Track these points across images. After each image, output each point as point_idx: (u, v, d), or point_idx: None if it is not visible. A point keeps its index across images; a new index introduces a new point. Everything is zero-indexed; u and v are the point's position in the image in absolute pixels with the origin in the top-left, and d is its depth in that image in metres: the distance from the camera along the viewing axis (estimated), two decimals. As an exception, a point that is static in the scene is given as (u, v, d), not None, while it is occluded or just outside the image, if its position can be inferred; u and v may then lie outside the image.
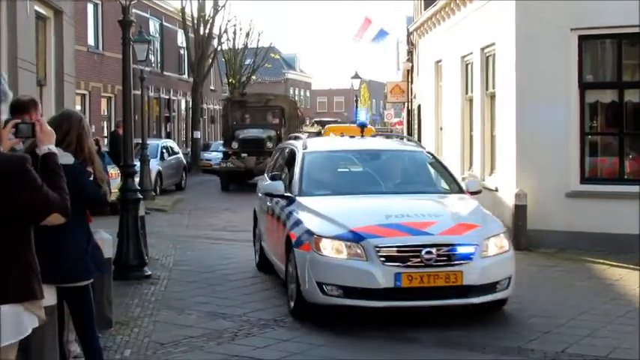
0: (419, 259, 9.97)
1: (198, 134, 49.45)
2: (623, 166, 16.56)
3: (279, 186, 12.26)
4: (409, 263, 9.97)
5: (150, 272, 14.00)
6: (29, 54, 13.28)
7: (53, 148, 5.18)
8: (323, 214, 10.97)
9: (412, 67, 40.07)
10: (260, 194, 14.37)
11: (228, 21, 53.71)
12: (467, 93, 21.79)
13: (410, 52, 41.28)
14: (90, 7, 38.49)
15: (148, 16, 47.57)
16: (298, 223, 11.07)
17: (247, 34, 56.62)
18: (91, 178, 6.91)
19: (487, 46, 19.39)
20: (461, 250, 10.22)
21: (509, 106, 17.20)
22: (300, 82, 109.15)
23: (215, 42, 51.89)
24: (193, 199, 30.72)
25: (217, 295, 12.53)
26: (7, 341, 4.80)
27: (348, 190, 12.18)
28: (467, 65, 21.72)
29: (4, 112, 5.01)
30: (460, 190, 12.52)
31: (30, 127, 5.22)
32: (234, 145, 34.75)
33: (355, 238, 10.24)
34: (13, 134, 5.20)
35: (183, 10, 49.00)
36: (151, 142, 32.21)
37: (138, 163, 27.47)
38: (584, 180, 16.45)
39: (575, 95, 16.37)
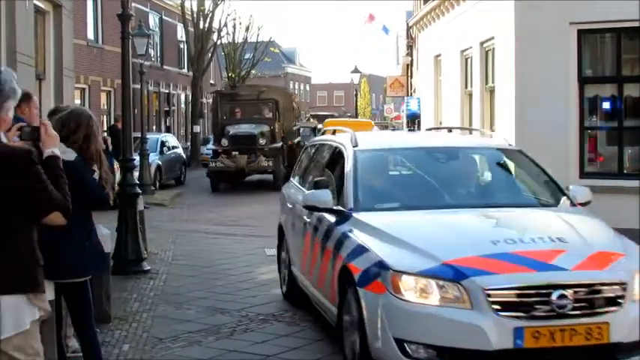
0: (548, 307, 6.92)
1: (197, 128, 49.42)
2: (622, 161, 16.53)
3: (325, 196, 8.94)
4: (535, 313, 6.93)
5: (149, 267, 14.02)
6: (28, 48, 13.26)
7: (57, 151, 5.23)
8: (398, 238, 7.80)
9: (412, 61, 40.05)
10: (288, 205, 11.54)
11: (228, 15, 53.48)
12: (466, 87, 21.77)
13: (409, 47, 41.28)
14: (89, 0, 38.46)
15: (147, 10, 47.56)
16: (361, 250, 7.85)
17: (247, 29, 56.60)
18: (96, 177, 6.91)
19: (486, 41, 19.36)
20: (606, 291, 7.16)
21: (509, 101, 17.18)
22: (299, 77, 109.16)
23: (215, 36, 51.86)
24: (193, 193, 30.73)
25: (216, 290, 12.55)
26: (7, 333, 4.81)
27: (423, 202, 8.97)
28: (466, 59, 21.69)
29: (12, 109, 5.05)
30: (564, 201, 9.57)
31: (35, 131, 5.26)
32: (224, 142, 31.84)
33: (453, 275, 7.12)
34: (17, 137, 5.24)
35: (182, 4, 48.98)
36: (151, 137, 32.23)
37: (137, 158, 27.52)
38: (583, 174, 16.41)
39: (574, 89, 16.33)
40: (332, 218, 8.97)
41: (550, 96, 16.34)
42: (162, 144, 33.11)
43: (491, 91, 19.22)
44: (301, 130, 40.94)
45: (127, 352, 9.10)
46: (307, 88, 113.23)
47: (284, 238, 11.90)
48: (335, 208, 8.93)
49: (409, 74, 43.03)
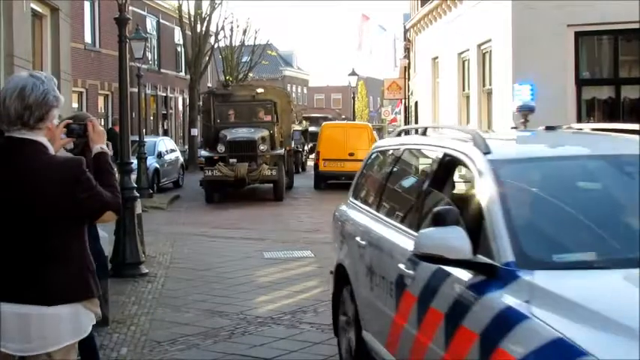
0: None
1: (195, 132, 49.37)
2: (620, 163, 16.51)
3: (457, 240, 5.22)
4: None
5: (147, 270, 14.00)
6: (25, 51, 13.25)
7: (105, 147, 5.23)
8: None
9: (409, 63, 40.10)
10: (359, 240, 7.76)
11: (225, 18, 53.44)
12: (464, 90, 21.80)
13: (407, 49, 41.33)
14: (87, 4, 38.47)
15: (145, 13, 47.56)
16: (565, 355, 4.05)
17: (244, 32, 56.55)
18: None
19: (483, 43, 19.39)
20: None
21: (506, 103, 17.18)
22: (297, 79, 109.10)
23: (212, 39, 51.83)
24: (191, 196, 30.65)
25: (214, 293, 12.53)
26: (66, 342, 4.88)
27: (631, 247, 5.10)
28: (463, 62, 21.72)
29: (57, 117, 5.05)
30: None
31: (82, 127, 5.26)
32: (220, 148, 28.60)
33: None
34: (65, 134, 5.24)
35: (180, 7, 48.93)
36: (148, 140, 32.12)
37: (135, 161, 27.50)
38: (581, 177, 16.41)
39: (571, 92, 16.36)
40: (466, 276, 5.29)
41: (547, 99, 16.34)
42: (160, 147, 33.04)
43: (489, 94, 19.24)
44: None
45: (125, 355, 9.09)
46: (305, 90, 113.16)
47: (347, 286, 8.28)
48: (477, 260, 5.19)
49: (407, 77, 43.05)
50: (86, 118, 7.07)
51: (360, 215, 8.30)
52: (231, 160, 28.09)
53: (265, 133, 29.24)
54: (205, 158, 30.06)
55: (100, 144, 5.24)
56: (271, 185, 29.65)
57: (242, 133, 28.99)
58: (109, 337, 9.73)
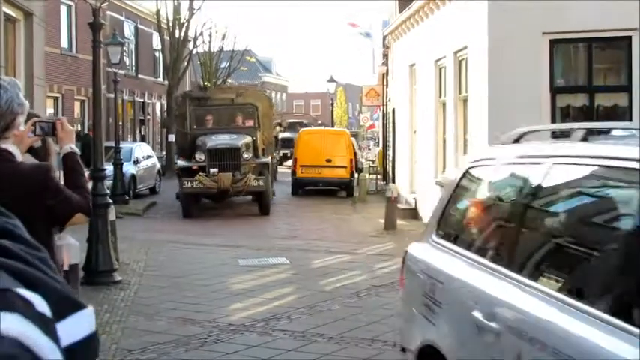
0: None
1: (172, 137, 49.27)
2: (594, 170, 16.56)
3: None
4: None
5: (120, 277, 13.94)
6: (-2, 57, 13.19)
7: (74, 147, 5.17)
8: None
9: (387, 70, 40.10)
10: (478, 317, 4.95)
11: (204, 24, 53.33)
12: (440, 97, 21.81)
13: (385, 56, 41.31)
14: (63, 8, 38.28)
15: (122, 18, 47.37)
16: None
17: (223, 37, 56.47)
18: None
19: (460, 50, 19.41)
20: None
21: (482, 110, 17.22)
22: (276, 85, 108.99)
23: (190, 45, 51.72)
24: (167, 203, 30.48)
25: (188, 301, 12.47)
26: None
27: None
28: (440, 69, 21.74)
29: (22, 124, 4.96)
30: None
31: (50, 126, 5.18)
32: (199, 157, 25.82)
33: None
34: (32, 132, 5.16)
35: (158, 12, 48.77)
36: (125, 146, 32.02)
37: (110, 167, 27.38)
38: (555, 183, 16.44)
39: (546, 99, 16.40)
40: None
41: (522, 105, 16.38)
42: (137, 153, 32.90)
43: (465, 101, 19.26)
44: None
45: (96, 363, 9.01)
46: (284, 97, 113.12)
47: None
48: None
49: (385, 83, 43.07)
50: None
51: (469, 270, 5.39)
52: (211, 170, 25.30)
53: (248, 139, 26.49)
54: (182, 169, 26.67)
55: (70, 143, 5.17)
56: (250, 198, 27.86)
57: (223, 140, 26.22)
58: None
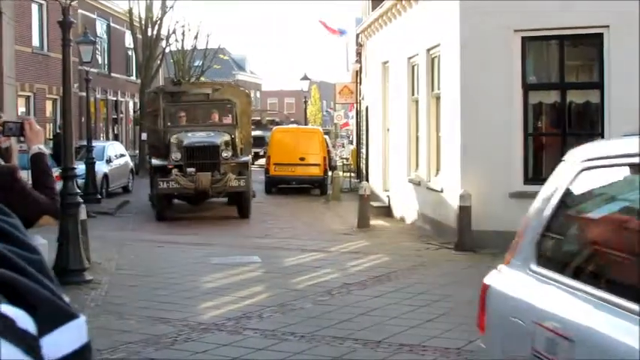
0: None
1: (145, 136, 49.11)
2: (566, 167, 16.61)
3: None
4: None
5: (91, 277, 13.82)
6: (-34, 55, 13.05)
7: (43, 147, 5.10)
8: None
9: (361, 68, 40.09)
10: None
11: (177, 22, 53.14)
12: (413, 94, 21.81)
13: (359, 53, 41.30)
14: (34, 7, 38.01)
15: (94, 17, 47.12)
16: None
17: (196, 36, 56.28)
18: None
19: (432, 48, 19.42)
20: None
21: (454, 108, 17.23)
22: (250, 84, 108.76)
23: (163, 43, 51.55)
24: (140, 201, 30.31)
25: (159, 300, 12.39)
26: None
27: None
28: (413, 66, 21.74)
29: None
30: None
31: (18, 126, 5.11)
32: (176, 155, 24.24)
33: None
34: (0, 133, 5.09)
35: (130, 11, 48.57)
36: (97, 145, 31.86)
37: (83, 166, 27.22)
38: (527, 180, 16.51)
39: (518, 96, 16.43)
40: None
41: (494, 103, 16.44)
42: (109, 152, 32.71)
43: (437, 98, 19.27)
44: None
45: (64, 364, 8.93)
46: (258, 95, 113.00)
47: None
48: None
49: (358, 81, 43.06)
50: None
51: (620, 324, 3.56)
52: (188, 170, 23.78)
53: (227, 137, 24.95)
54: (155, 168, 25.09)
55: (38, 144, 5.11)
56: (226, 199, 26.40)
57: (200, 137, 24.76)
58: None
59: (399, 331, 10.20)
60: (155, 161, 25.45)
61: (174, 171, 23.92)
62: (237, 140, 25.69)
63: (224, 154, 24.24)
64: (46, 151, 5.12)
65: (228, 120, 26.58)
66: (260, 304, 11.87)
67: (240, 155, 25.83)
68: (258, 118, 53.72)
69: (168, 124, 26.05)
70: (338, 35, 58.56)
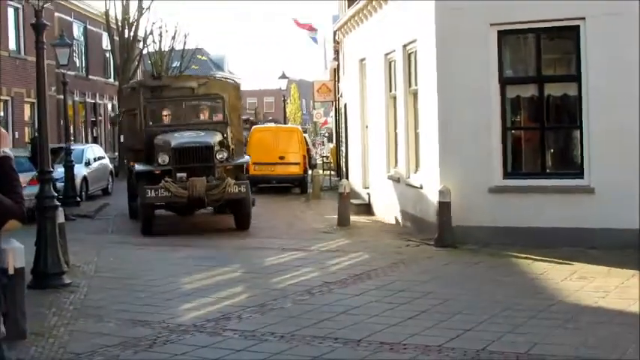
0: None
1: (123, 138, 48.94)
2: (544, 160, 16.67)
3: None
4: None
5: (69, 280, 13.71)
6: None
7: (8, 151, 5.02)
8: None
9: (338, 65, 40.05)
10: None
11: (154, 23, 52.98)
12: (390, 91, 21.77)
13: (336, 51, 41.26)
14: (10, 10, 37.80)
15: (71, 19, 46.93)
16: None
17: (173, 37, 56.12)
18: None
19: (409, 43, 19.39)
20: None
21: (432, 103, 17.21)
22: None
23: (140, 44, 51.43)
24: (119, 204, 30.06)
25: (138, 302, 12.30)
26: None
27: None
28: (390, 63, 21.70)
29: None
30: None
31: None
32: (163, 158, 20.96)
33: None
34: None
35: (107, 13, 48.45)
36: (76, 147, 31.69)
37: (62, 169, 27.10)
38: (506, 175, 16.51)
39: (495, 90, 16.42)
40: None
41: (472, 97, 16.44)
42: (88, 154, 32.60)
43: (415, 94, 19.24)
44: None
45: (42, 369, 8.87)
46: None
47: None
48: None
49: (337, 79, 43.02)
50: None
51: None
52: (178, 175, 20.57)
53: (219, 137, 21.82)
54: (139, 174, 21.93)
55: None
56: (210, 209, 23.47)
57: (190, 137, 21.58)
58: (26, 351, 9.46)
59: (380, 329, 10.14)
60: (139, 167, 22.06)
61: (166, 178, 20.54)
62: (229, 140, 22.44)
63: (219, 156, 20.98)
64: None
65: (218, 117, 23.50)
66: (240, 305, 11.79)
67: (239, 156, 23.36)
68: (250, 117, 53.44)
69: (150, 123, 23.01)
70: (309, 30, 58.30)
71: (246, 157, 24.12)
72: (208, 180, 20.41)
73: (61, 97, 32.86)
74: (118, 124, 47.69)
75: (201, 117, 23.94)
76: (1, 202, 4.70)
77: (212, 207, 22.79)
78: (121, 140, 41.56)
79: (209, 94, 24.03)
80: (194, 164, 20.68)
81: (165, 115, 23.58)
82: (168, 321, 10.91)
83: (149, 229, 21.05)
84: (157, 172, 21.00)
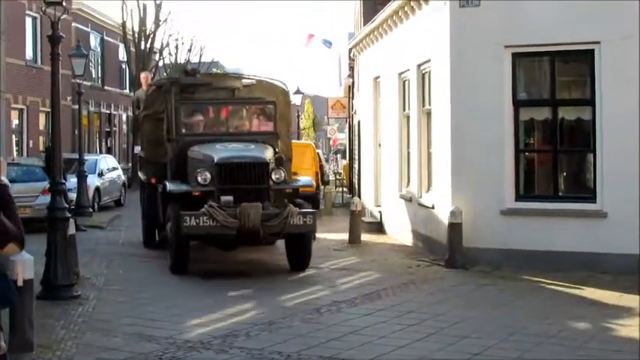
0: None
1: (138, 149, 48.97)
2: (557, 183, 16.62)
3: None
4: None
5: (79, 292, 13.73)
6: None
7: (4, 179, 5.06)
8: None
9: (353, 82, 40.10)
10: None
11: (170, 35, 53.20)
12: (404, 110, 21.74)
13: (351, 68, 41.32)
14: (29, 20, 37.99)
15: (88, 30, 47.16)
16: None
17: (189, 49, 56.29)
18: None
19: (423, 63, 19.37)
20: None
21: (445, 124, 17.19)
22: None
23: (157, 56, 51.61)
24: (132, 215, 30.02)
25: (146, 317, 12.27)
26: None
27: None
28: (404, 82, 21.68)
29: None
30: None
31: None
32: (204, 177, 16.22)
33: None
34: None
35: (124, 24, 48.69)
36: (90, 158, 31.79)
37: (74, 179, 27.15)
38: (519, 197, 16.46)
39: (509, 112, 16.40)
40: None
41: (485, 119, 16.41)
42: (102, 165, 32.65)
43: (428, 114, 19.21)
44: None
45: (48, 382, 8.86)
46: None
47: None
48: None
49: (351, 95, 43.09)
50: None
51: None
52: (223, 199, 15.86)
53: (271, 152, 17.41)
54: (172, 195, 16.79)
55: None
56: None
57: (238, 150, 17.03)
58: (33, 364, 9.48)
59: (388, 350, 10.12)
60: (172, 186, 16.99)
61: (211, 202, 15.72)
62: (281, 154, 17.70)
63: (275, 176, 16.49)
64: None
65: (267, 127, 18.88)
66: (248, 322, 11.76)
67: (288, 177, 17.47)
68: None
69: (183, 130, 18.35)
70: (311, 40, 58.00)
71: (307, 179, 19.47)
72: (264, 207, 15.82)
73: (76, 107, 32.92)
74: (133, 131, 47.60)
75: (247, 125, 19.24)
76: (4, 225, 4.73)
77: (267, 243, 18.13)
78: (136, 151, 38.18)
79: (258, 98, 19.19)
80: (244, 185, 16.14)
81: (199, 122, 18.97)
82: (175, 337, 10.89)
83: (183, 266, 16.37)
84: (197, 193, 16.30)
